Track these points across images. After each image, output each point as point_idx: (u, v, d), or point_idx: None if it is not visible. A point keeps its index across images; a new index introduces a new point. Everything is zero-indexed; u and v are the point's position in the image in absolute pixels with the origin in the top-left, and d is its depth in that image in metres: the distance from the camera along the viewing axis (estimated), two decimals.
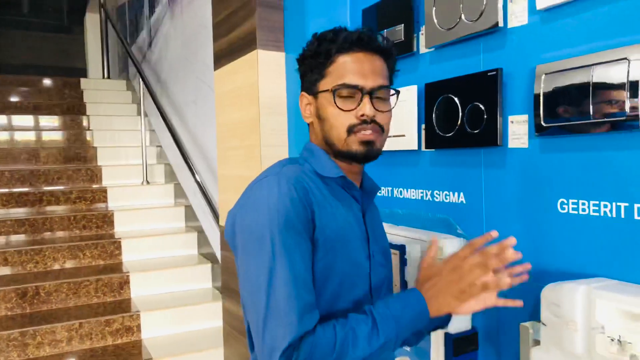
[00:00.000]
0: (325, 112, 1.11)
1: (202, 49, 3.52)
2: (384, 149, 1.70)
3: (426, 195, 1.60)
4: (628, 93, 1.03)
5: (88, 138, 4.90)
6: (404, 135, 1.63)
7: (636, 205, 1.04)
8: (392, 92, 1.14)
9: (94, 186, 4.25)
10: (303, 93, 1.17)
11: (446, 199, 1.52)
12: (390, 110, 1.14)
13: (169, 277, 3.45)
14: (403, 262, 1.49)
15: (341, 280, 1.06)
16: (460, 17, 1.40)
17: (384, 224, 1.70)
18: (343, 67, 1.08)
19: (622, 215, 1.07)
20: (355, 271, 1.10)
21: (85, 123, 5.12)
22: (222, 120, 2.34)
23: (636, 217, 1.04)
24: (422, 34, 1.57)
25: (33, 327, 2.77)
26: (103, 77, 6.31)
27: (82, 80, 5.90)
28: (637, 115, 1.02)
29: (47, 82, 5.76)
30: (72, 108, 5.30)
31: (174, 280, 3.46)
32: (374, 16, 1.76)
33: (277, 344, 0.92)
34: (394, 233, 1.60)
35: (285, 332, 0.92)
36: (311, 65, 1.13)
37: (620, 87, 1.04)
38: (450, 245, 1.41)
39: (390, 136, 1.69)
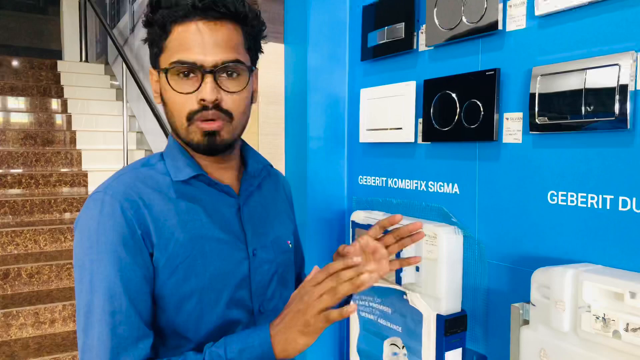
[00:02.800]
0: (165, 95, 0.93)
1: None
2: (379, 140, 1.80)
3: (420, 185, 1.69)
4: (618, 96, 1.13)
5: (66, 122, 4.84)
6: (400, 128, 1.71)
7: (621, 198, 1.15)
8: (245, 66, 0.93)
9: (74, 170, 4.22)
10: (150, 69, 0.99)
11: (440, 189, 1.61)
12: (242, 91, 0.93)
13: None
14: None
15: (200, 298, 0.93)
16: (461, 19, 1.49)
17: (376, 212, 1.79)
18: (178, 40, 0.89)
19: (608, 207, 1.18)
20: (220, 282, 0.95)
21: (62, 106, 5.06)
22: None
23: (620, 208, 1.15)
24: (422, 32, 1.65)
25: (16, 309, 2.77)
26: (80, 60, 6.22)
27: (59, 62, 5.80)
28: (625, 116, 1.13)
29: (22, 63, 5.65)
30: (48, 90, 5.22)
31: None
32: (375, 13, 1.83)
33: None
34: None
35: None
36: (151, 36, 0.94)
37: (610, 90, 1.14)
38: (444, 233, 1.50)
39: (386, 129, 1.78)
